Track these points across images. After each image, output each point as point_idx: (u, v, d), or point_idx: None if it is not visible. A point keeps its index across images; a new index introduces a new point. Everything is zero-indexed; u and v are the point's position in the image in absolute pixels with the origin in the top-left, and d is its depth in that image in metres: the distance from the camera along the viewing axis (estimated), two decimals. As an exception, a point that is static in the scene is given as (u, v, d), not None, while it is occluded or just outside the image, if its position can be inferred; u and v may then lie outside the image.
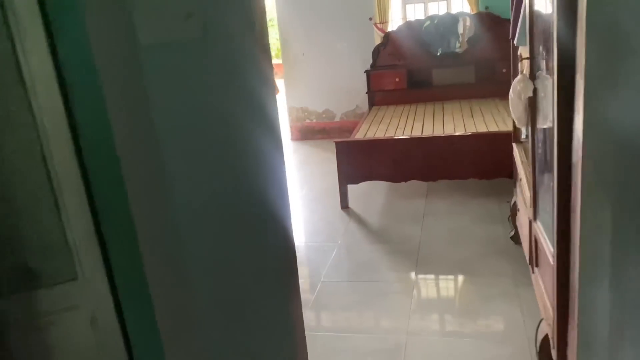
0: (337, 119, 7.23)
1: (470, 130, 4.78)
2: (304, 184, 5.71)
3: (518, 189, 3.33)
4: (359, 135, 4.99)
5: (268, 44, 1.57)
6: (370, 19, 6.65)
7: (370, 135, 4.98)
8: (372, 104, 6.61)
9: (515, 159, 3.46)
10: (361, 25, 6.80)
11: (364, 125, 5.45)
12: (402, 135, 4.83)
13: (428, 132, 4.84)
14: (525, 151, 3.29)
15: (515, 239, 3.54)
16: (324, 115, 7.25)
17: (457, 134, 4.59)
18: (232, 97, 1.55)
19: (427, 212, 4.32)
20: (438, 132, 4.90)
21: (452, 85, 6.41)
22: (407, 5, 6.82)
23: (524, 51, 2.85)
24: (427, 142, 4.47)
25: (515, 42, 2.95)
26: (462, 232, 3.91)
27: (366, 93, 6.61)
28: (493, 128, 4.71)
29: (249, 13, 1.50)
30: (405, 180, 4.49)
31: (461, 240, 3.78)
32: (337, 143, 4.60)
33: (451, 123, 5.27)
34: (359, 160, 4.61)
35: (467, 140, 4.40)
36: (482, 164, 4.31)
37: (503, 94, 6.27)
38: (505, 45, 6.44)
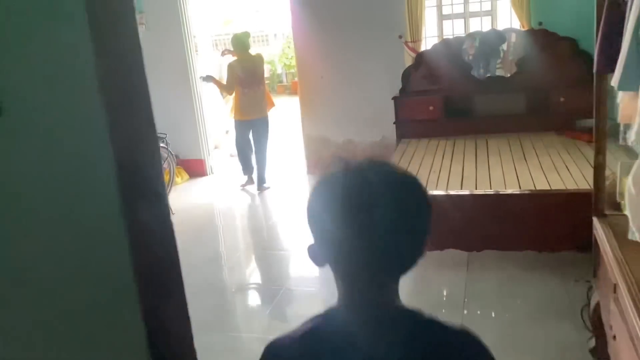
0: (360, 149, 6.26)
1: (526, 180, 3.75)
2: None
3: (604, 291, 2.30)
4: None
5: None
6: (400, 36, 5.69)
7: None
8: (401, 135, 5.63)
9: (600, 242, 2.42)
10: (389, 44, 5.84)
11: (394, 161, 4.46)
12: (437, 188, 3.83)
13: (470, 184, 3.83)
14: (619, 236, 2.26)
15: (599, 352, 2.51)
16: (344, 146, 6.29)
17: (509, 191, 3.56)
18: None
19: (468, 295, 3.28)
20: (482, 180, 3.89)
21: (497, 115, 5.38)
22: (444, 21, 5.83)
23: (630, 100, 1.84)
24: (469, 201, 3.46)
25: (613, 83, 1.93)
26: (517, 334, 2.87)
27: (394, 123, 5.63)
28: (555, 180, 3.67)
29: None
30: (440, 249, 3.49)
31: (515, 351, 2.74)
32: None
33: (498, 167, 4.25)
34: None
35: (524, 200, 3.38)
36: (542, 231, 3.28)
37: (560, 128, 5.32)
38: (563, 69, 5.47)
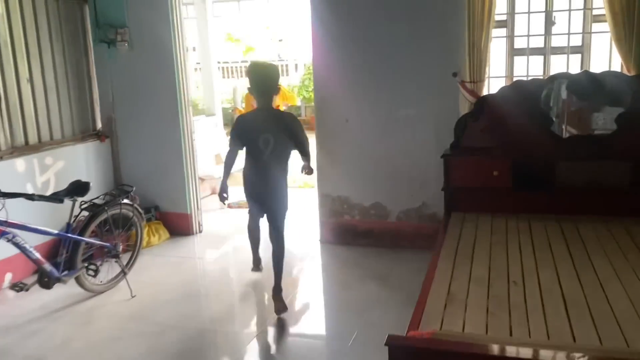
0: (392, 218, 4.75)
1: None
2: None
3: None
4: (431, 322, 2.46)
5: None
6: (455, 75, 4.24)
7: (452, 326, 2.44)
8: (451, 206, 4.12)
9: None
10: (439, 84, 4.40)
11: (440, 275, 2.94)
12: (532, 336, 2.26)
13: (581, 319, 2.28)
14: None
15: None
16: (372, 212, 4.79)
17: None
18: None
19: None
20: (602, 314, 2.36)
21: (588, 190, 3.86)
22: (517, 57, 4.36)
23: None
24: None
25: None
26: None
27: (442, 189, 4.13)
28: None
29: None
30: None
31: None
32: (391, 344, 2.06)
33: (614, 281, 2.71)
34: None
35: None
36: None
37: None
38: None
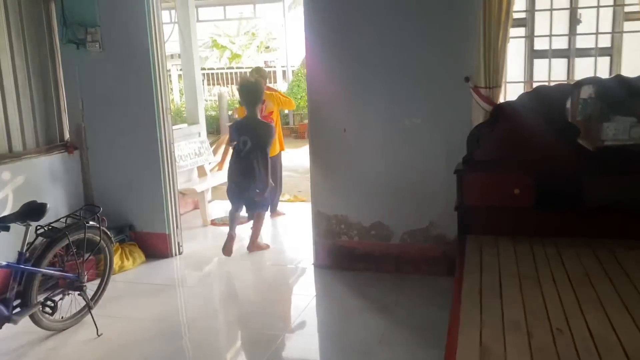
0: (395, 240, 4.24)
1: None
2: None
3: None
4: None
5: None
6: (468, 79, 3.77)
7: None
8: (465, 229, 3.62)
9: None
10: (449, 90, 3.91)
11: (467, 318, 2.43)
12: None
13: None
14: None
15: None
16: (372, 233, 4.28)
17: None
18: None
19: None
20: (636, 350, 1.87)
21: (624, 209, 3.38)
22: (537, 60, 3.88)
23: None
24: None
25: None
26: None
27: (455, 209, 3.63)
28: None
29: None
30: None
31: None
32: None
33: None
34: None
35: None
36: None
37: None
38: None
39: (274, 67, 15.62)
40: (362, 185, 4.24)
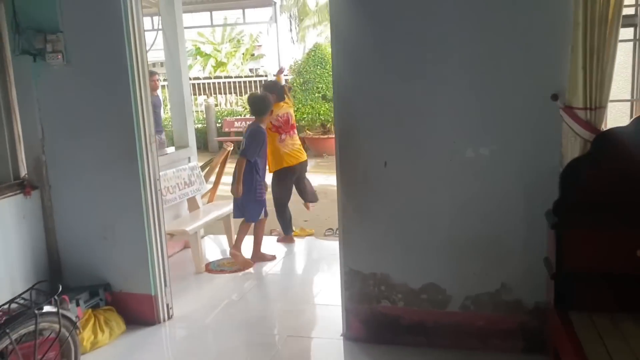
0: (454, 306, 3.25)
1: None
2: None
3: None
4: None
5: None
6: (556, 97, 2.81)
7: None
8: (566, 302, 2.64)
9: None
10: (529, 111, 2.95)
11: None
12: None
13: None
14: None
15: None
16: (423, 297, 3.28)
17: None
18: None
19: None
20: None
21: None
22: (650, 69, 2.96)
23: None
24: None
25: None
26: None
27: (552, 277, 2.65)
28: None
29: None
30: None
31: None
32: None
33: None
34: None
35: None
36: None
37: None
38: None
39: (266, 75, 14.59)
40: (410, 235, 3.25)
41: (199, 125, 13.57)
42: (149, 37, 4.08)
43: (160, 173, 4.90)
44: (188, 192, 5.42)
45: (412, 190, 3.20)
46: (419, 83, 3.08)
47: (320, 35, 24.07)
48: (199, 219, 5.12)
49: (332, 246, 5.51)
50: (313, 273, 4.93)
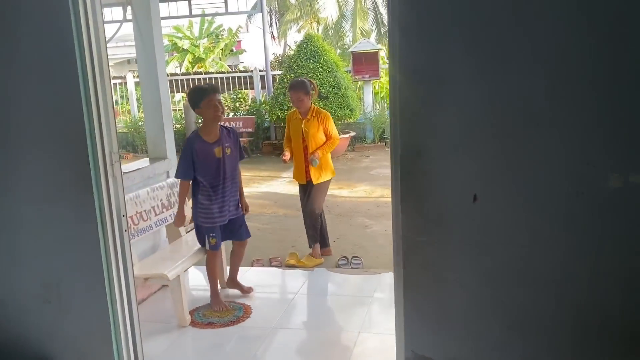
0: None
1: None
2: None
3: None
4: None
5: None
6: None
7: None
8: None
9: None
10: None
11: None
12: None
13: None
14: None
15: None
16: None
17: None
18: None
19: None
20: None
21: None
22: None
23: None
24: None
25: None
26: None
27: None
28: None
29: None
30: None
31: None
32: None
33: None
34: None
35: None
36: None
37: None
38: None
39: (251, 71, 13.39)
40: (511, 309, 2.13)
41: (177, 126, 12.35)
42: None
43: (130, 195, 3.77)
44: (167, 217, 4.25)
45: (516, 239, 2.09)
46: (530, 72, 1.97)
47: (300, 31, 22.96)
48: (182, 254, 3.93)
49: (352, 283, 4.39)
50: (337, 330, 3.69)
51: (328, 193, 5.06)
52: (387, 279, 4.33)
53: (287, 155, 4.85)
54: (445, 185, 2.10)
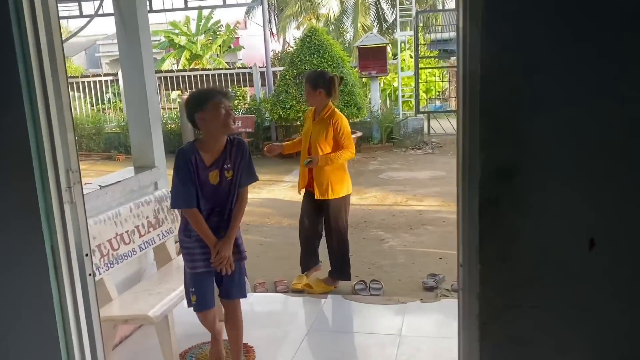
0: None
1: None
2: None
3: None
4: None
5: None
6: None
7: None
8: None
9: None
10: None
11: None
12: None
13: None
14: None
15: None
16: None
17: None
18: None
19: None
20: None
21: None
22: None
23: None
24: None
25: None
26: None
27: None
28: None
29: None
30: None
31: None
32: None
33: None
34: None
35: None
36: None
37: None
38: None
39: (250, 67, 12.70)
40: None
41: (173, 126, 11.68)
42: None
43: (109, 213, 3.10)
44: (154, 238, 3.57)
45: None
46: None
47: (299, 27, 22.28)
48: (172, 285, 3.24)
49: (373, 315, 3.70)
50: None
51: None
52: (414, 309, 3.66)
53: (272, 149, 4.15)
54: (547, 228, 1.43)
